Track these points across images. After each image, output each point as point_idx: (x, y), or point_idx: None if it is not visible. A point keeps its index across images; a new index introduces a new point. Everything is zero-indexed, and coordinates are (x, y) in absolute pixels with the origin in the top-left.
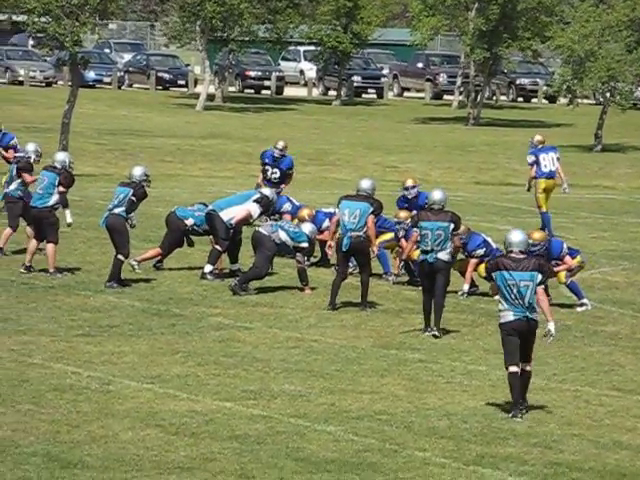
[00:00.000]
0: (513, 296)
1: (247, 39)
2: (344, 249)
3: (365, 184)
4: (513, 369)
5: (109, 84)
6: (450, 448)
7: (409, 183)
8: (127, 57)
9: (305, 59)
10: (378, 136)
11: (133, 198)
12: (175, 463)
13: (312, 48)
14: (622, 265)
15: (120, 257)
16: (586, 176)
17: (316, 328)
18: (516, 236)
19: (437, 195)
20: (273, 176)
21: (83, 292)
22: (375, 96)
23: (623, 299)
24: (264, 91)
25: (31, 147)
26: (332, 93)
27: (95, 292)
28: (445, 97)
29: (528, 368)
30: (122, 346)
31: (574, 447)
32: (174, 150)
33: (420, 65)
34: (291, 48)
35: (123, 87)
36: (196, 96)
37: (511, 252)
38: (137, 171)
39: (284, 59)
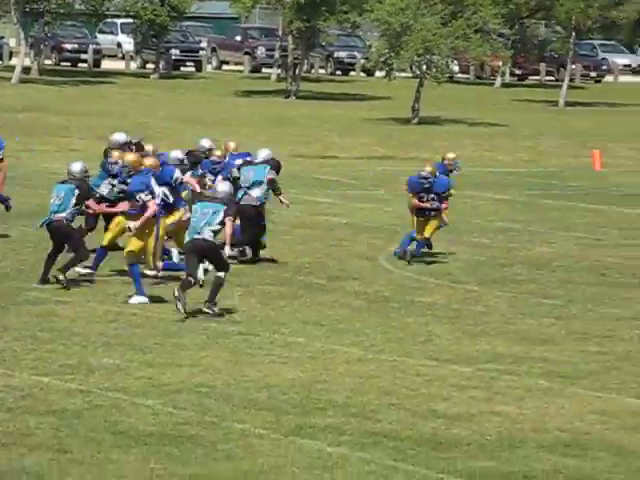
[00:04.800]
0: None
1: (63, 11)
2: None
3: (74, 167)
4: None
5: None
6: (269, 419)
7: None
8: None
9: (122, 32)
10: (197, 109)
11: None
12: None
13: (129, 21)
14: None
15: None
16: (404, 148)
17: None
18: (223, 186)
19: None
20: None
21: None
22: (194, 69)
23: (439, 270)
24: (81, 64)
25: None
26: (150, 66)
27: None
28: (264, 70)
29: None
30: None
31: (392, 416)
32: None
33: (238, 38)
34: (108, 21)
35: None
36: (11, 69)
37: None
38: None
39: (101, 32)
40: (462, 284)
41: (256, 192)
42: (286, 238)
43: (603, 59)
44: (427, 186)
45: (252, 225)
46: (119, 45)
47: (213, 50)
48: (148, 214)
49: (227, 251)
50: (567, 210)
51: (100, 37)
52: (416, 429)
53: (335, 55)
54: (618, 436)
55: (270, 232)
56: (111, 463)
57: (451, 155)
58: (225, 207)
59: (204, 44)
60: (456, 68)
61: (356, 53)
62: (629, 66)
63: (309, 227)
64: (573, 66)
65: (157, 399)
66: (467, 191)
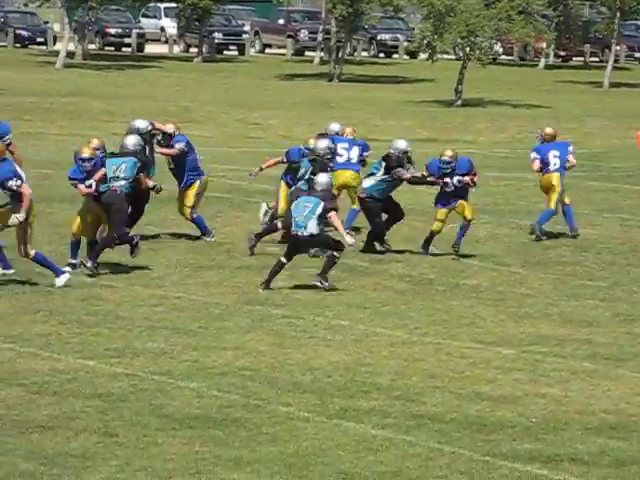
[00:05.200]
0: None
1: None
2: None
3: (130, 140)
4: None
5: None
6: (313, 402)
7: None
8: None
9: (166, 16)
10: (240, 93)
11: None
12: (37, 422)
13: (173, 5)
14: (483, 219)
15: None
16: (447, 131)
17: (179, 285)
18: (322, 178)
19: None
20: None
21: None
22: (237, 53)
23: (484, 252)
24: (125, 48)
25: None
26: (193, 50)
27: None
28: (307, 53)
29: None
30: None
31: (436, 399)
32: (34, 108)
33: (281, 21)
34: (151, 5)
35: None
36: (55, 54)
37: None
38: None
39: (144, 16)
40: (506, 266)
41: (366, 183)
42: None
43: None
44: (448, 171)
45: (372, 216)
46: (162, 29)
47: (256, 33)
48: (27, 201)
49: (349, 240)
50: (611, 192)
51: (144, 21)
52: (461, 411)
53: (378, 37)
54: None
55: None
56: (156, 446)
57: (549, 130)
58: (323, 202)
59: (247, 27)
60: (500, 50)
61: (399, 35)
62: None
63: None
64: (618, 47)
65: (202, 382)
66: (511, 173)
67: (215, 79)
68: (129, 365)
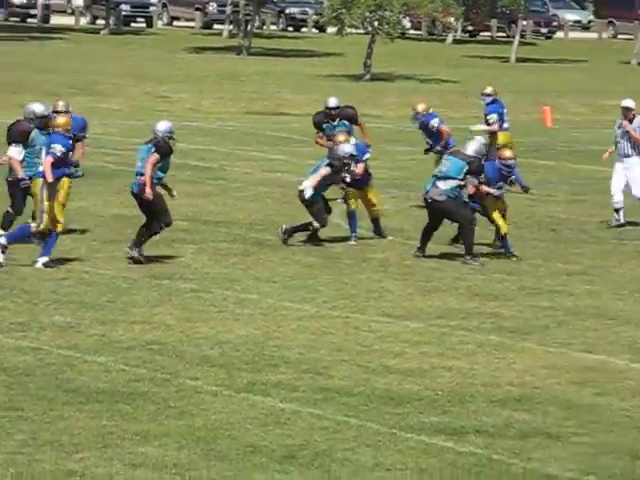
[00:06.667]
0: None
1: None
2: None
3: (159, 126)
4: None
5: None
6: (222, 376)
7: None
8: None
9: None
10: (148, 66)
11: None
12: None
13: None
14: (391, 193)
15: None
16: (355, 105)
17: (87, 259)
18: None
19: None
20: None
21: None
22: (144, 25)
23: (392, 226)
24: (30, 19)
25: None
26: (100, 22)
27: None
28: (215, 26)
29: None
30: None
31: (344, 372)
32: None
33: None
34: None
35: None
36: None
37: None
38: (161, 126)
39: None
40: (414, 240)
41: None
42: (238, 195)
43: (554, 15)
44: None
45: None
46: (69, 1)
47: (164, 6)
48: None
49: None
50: (517, 166)
51: None
52: (368, 385)
53: (287, 11)
54: (568, 390)
55: (223, 189)
56: (63, 420)
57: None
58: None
59: (154, 0)
60: (408, 24)
61: (308, 9)
62: (579, 22)
63: (261, 184)
64: (524, 22)
65: (109, 356)
66: (420, 147)
67: (122, 52)
68: (35, 339)
